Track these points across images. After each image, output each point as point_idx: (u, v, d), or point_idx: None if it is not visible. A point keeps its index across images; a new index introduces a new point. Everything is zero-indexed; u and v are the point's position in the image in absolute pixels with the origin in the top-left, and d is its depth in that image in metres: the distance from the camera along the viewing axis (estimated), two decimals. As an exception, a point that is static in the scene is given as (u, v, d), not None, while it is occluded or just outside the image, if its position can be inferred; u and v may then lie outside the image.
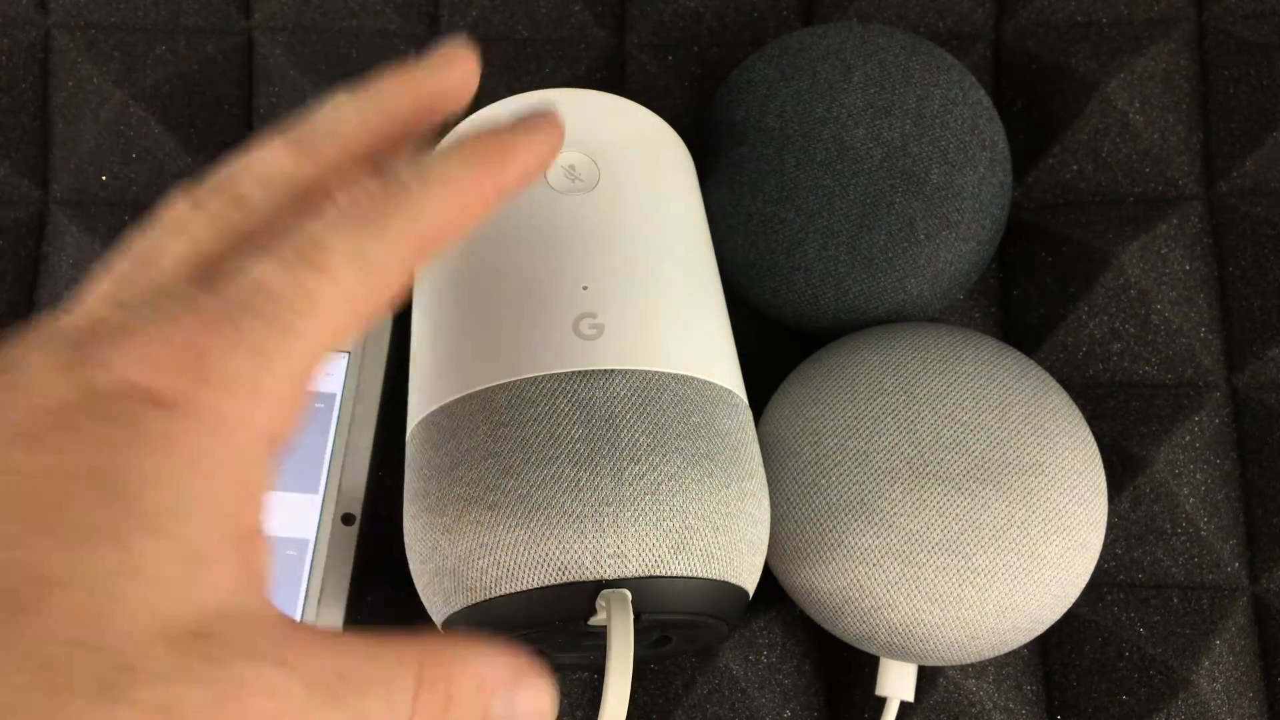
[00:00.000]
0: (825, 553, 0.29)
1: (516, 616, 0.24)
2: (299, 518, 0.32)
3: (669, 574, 0.24)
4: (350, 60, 0.39)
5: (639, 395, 0.25)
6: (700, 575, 0.24)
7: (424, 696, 0.16)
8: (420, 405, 0.27)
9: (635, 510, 0.24)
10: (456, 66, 0.21)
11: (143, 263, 0.18)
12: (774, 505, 0.30)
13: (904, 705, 0.33)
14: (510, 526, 0.24)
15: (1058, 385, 0.31)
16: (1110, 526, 0.34)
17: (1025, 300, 0.37)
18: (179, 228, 0.18)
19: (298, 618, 0.31)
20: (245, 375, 0.16)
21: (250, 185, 0.18)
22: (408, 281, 0.18)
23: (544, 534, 0.23)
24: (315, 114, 0.20)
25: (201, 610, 0.15)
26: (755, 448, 0.28)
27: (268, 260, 0.17)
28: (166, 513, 0.15)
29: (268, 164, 0.19)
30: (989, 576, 0.28)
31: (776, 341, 0.36)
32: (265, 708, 0.14)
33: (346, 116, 0.20)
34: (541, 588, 0.24)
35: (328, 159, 0.19)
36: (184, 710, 0.14)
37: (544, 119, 0.21)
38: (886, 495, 0.28)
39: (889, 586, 0.28)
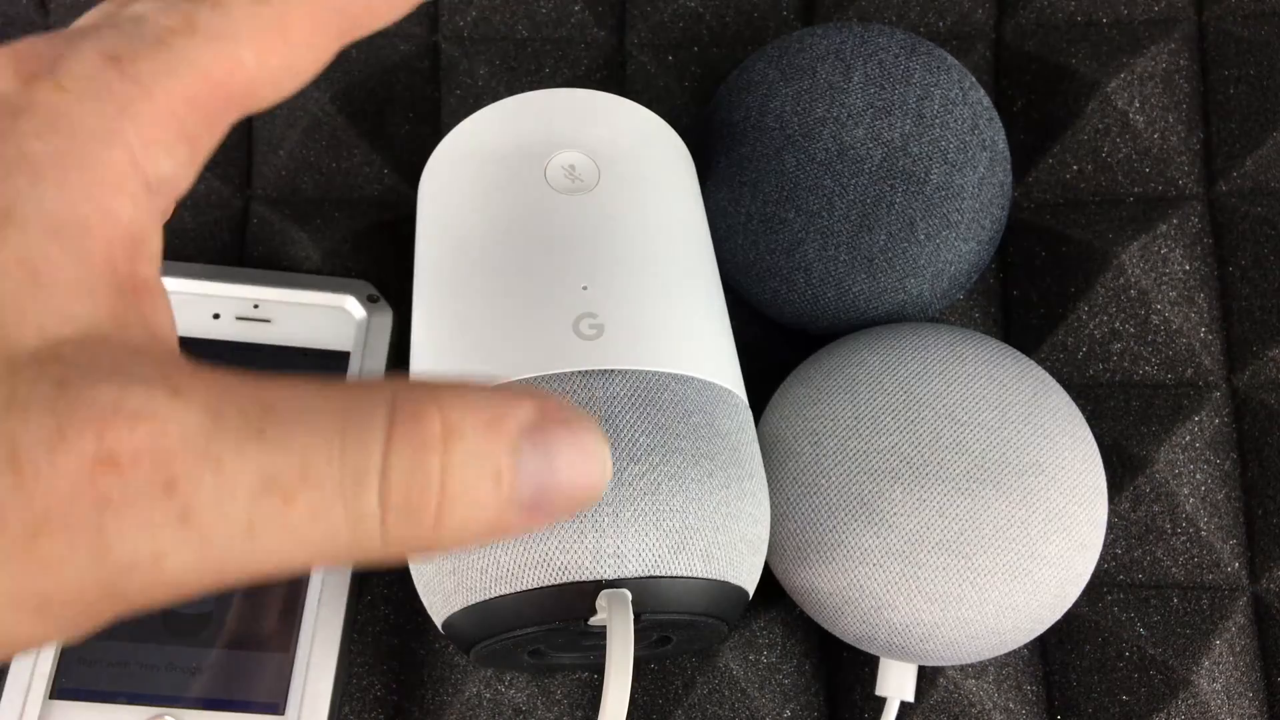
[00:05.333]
0: (825, 553, 0.29)
1: (516, 616, 0.24)
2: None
3: (669, 574, 0.24)
4: (350, 60, 0.39)
5: (639, 395, 0.25)
6: (700, 575, 0.24)
7: (401, 431, 0.12)
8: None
9: (635, 510, 0.24)
10: None
11: None
12: (774, 505, 0.30)
13: (904, 705, 0.33)
14: (510, 526, 0.24)
15: (1058, 385, 0.31)
16: (1110, 526, 0.34)
17: (1025, 300, 0.37)
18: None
19: (299, 618, 0.31)
20: (104, 82, 0.13)
21: None
22: (330, 32, 0.16)
23: (544, 534, 0.23)
24: None
25: (47, 335, 0.12)
26: (755, 448, 0.28)
27: (148, 0, 0.15)
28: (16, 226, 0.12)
29: None
30: (989, 576, 0.28)
31: (776, 341, 0.36)
32: (136, 438, 0.11)
33: None
34: (541, 588, 0.24)
35: None
36: (16, 441, 0.11)
37: None
38: (886, 495, 0.28)
39: (889, 586, 0.28)
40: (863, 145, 0.33)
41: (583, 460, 0.13)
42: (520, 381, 0.25)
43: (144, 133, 0.14)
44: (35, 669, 0.30)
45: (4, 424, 0.11)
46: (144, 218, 0.14)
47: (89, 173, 0.13)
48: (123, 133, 0.14)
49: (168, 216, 0.15)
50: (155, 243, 0.14)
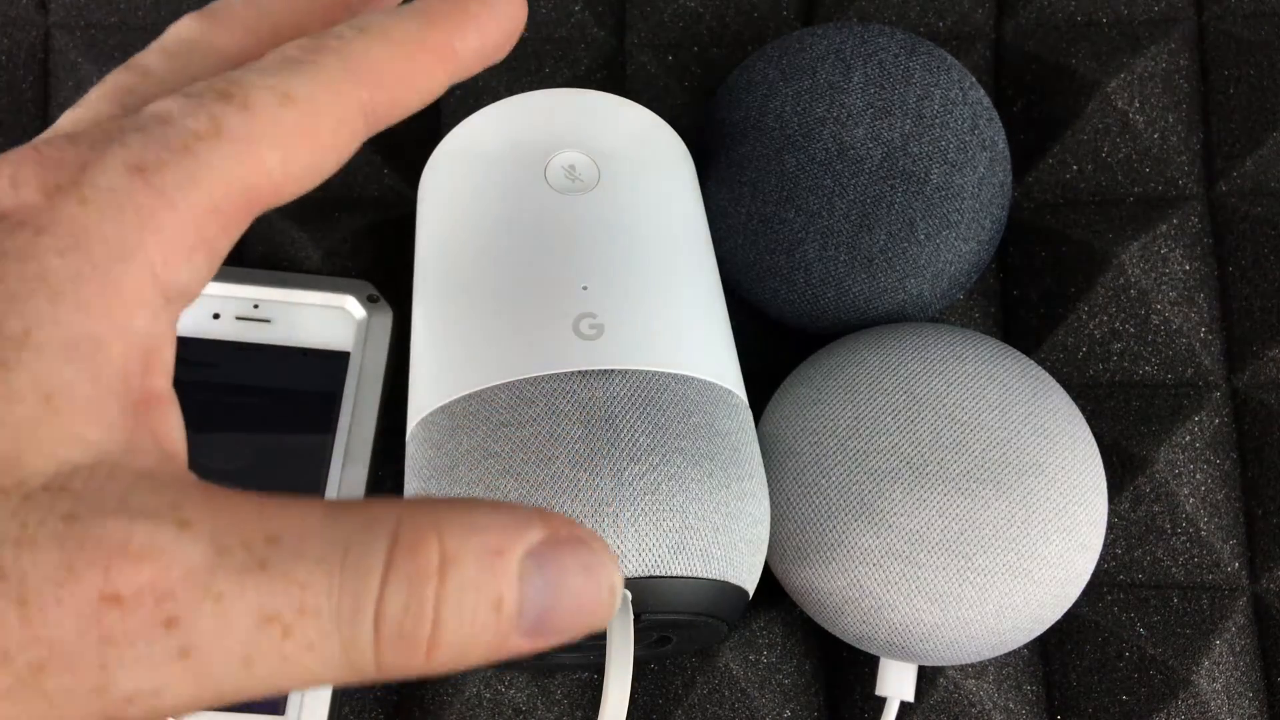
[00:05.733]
0: (825, 553, 0.29)
1: (516, 616, 0.24)
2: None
3: (669, 574, 0.24)
4: (350, 60, 0.39)
5: (639, 395, 0.25)
6: (700, 575, 0.24)
7: (401, 561, 0.12)
8: (420, 405, 0.27)
9: (635, 510, 0.24)
10: None
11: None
12: (774, 505, 0.30)
13: (904, 705, 0.33)
14: (510, 526, 0.24)
15: (1058, 385, 0.31)
16: (1110, 526, 0.34)
17: (1025, 300, 0.37)
18: (80, 104, 0.16)
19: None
20: (127, 194, 0.13)
21: (153, 56, 0.16)
22: (355, 129, 0.16)
23: (544, 534, 0.23)
24: None
25: (59, 463, 0.12)
26: (755, 448, 0.28)
27: (172, 98, 0.14)
28: (13, 343, 0.12)
29: (173, 34, 0.17)
30: (989, 576, 0.28)
31: (776, 341, 0.36)
32: (140, 575, 0.11)
33: None
34: (541, 588, 0.24)
35: (245, 25, 0.17)
36: (25, 577, 0.11)
37: None
38: (886, 495, 0.28)
39: (889, 586, 0.28)
40: (863, 145, 0.33)
41: (590, 583, 0.13)
42: (520, 381, 0.25)
43: (165, 245, 0.14)
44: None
45: (15, 560, 0.11)
46: (159, 329, 0.14)
47: (108, 291, 0.13)
48: (144, 247, 0.13)
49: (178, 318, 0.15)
50: (168, 352, 0.14)
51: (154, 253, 0.14)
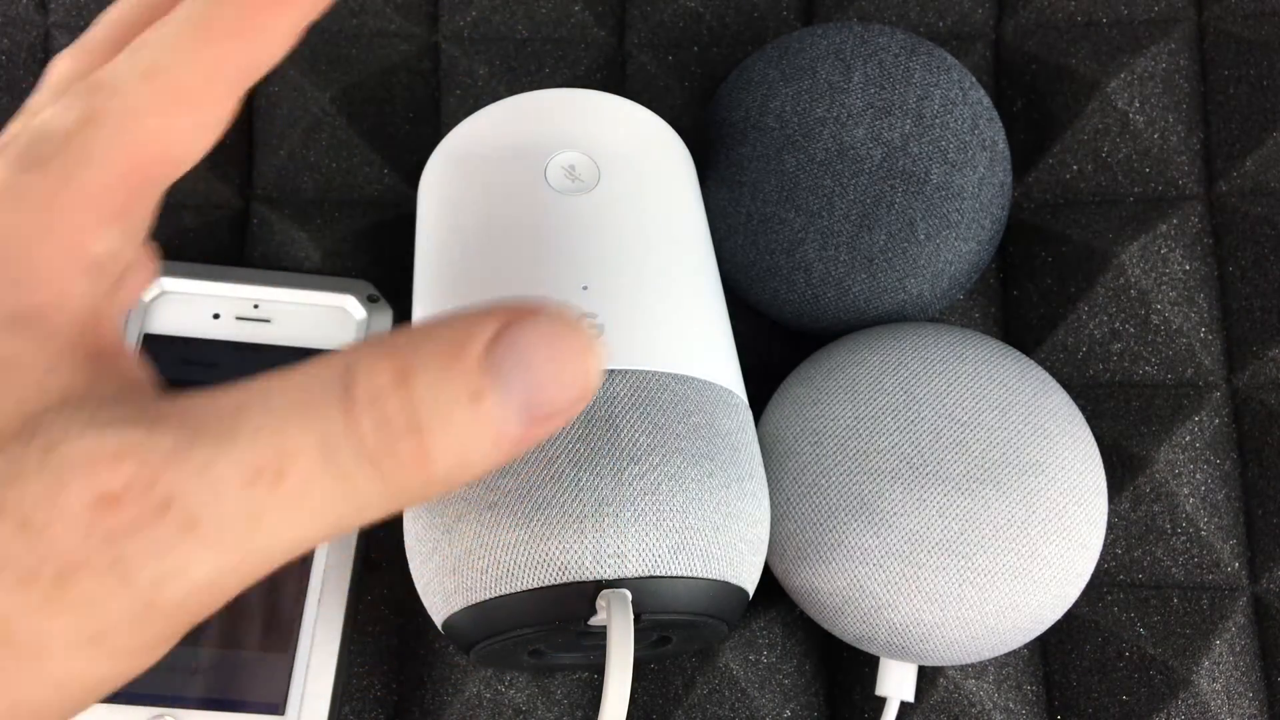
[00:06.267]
0: (825, 553, 0.29)
1: (516, 616, 0.24)
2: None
3: (669, 574, 0.24)
4: (350, 60, 0.39)
5: (639, 395, 0.25)
6: (700, 575, 0.24)
7: (360, 387, 0.13)
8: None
9: (635, 510, 0.24)
10: None
11: None
12: (774, 505, 0.30)
13: (904, 705, 0.33)
14: (510, 526, 0.24)
15: (1058, 385, 0.31)
16: (1110, 526, 0.34)
17: (1025, 300, 0.37)
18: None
19: (299, 619, 0.31)
20: (26, 186, 0.15)
21: (41, 96, 0.18)
22: (224, 85, 0.17)
23: (544, 534, 0.23)
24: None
25: (26, 414, 0.13)
26: (755, 448, 0.28)
27: (51, 105, 0.16)
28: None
29: (54, 72, 0.18)
30: (989, 576, 0.28)
31: (776, 341, 0.36)
32: (123, 470, 0.12)
33: (116, 7, 0.19)
34: (541, 588, 0.24)
35: (114, 45, 0.18)
36: (22, 503, 0.12)
37: None
38: (886, 495, 0.28)
39: (889, 586, 0.28)
40: (863, 145, 0.33)
41: (567, 349, 0.13)
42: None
43: (75, 221, 0.15)
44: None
45: (8, 494, 0.12)
46: (95, 291, 0.15)
47: (34, 269, 0.14)
48: (55, 226, 0.15)
49: (127, 284, 0.17)
50: (111, 310, 0.16)
51: (66, 228, 0.15)
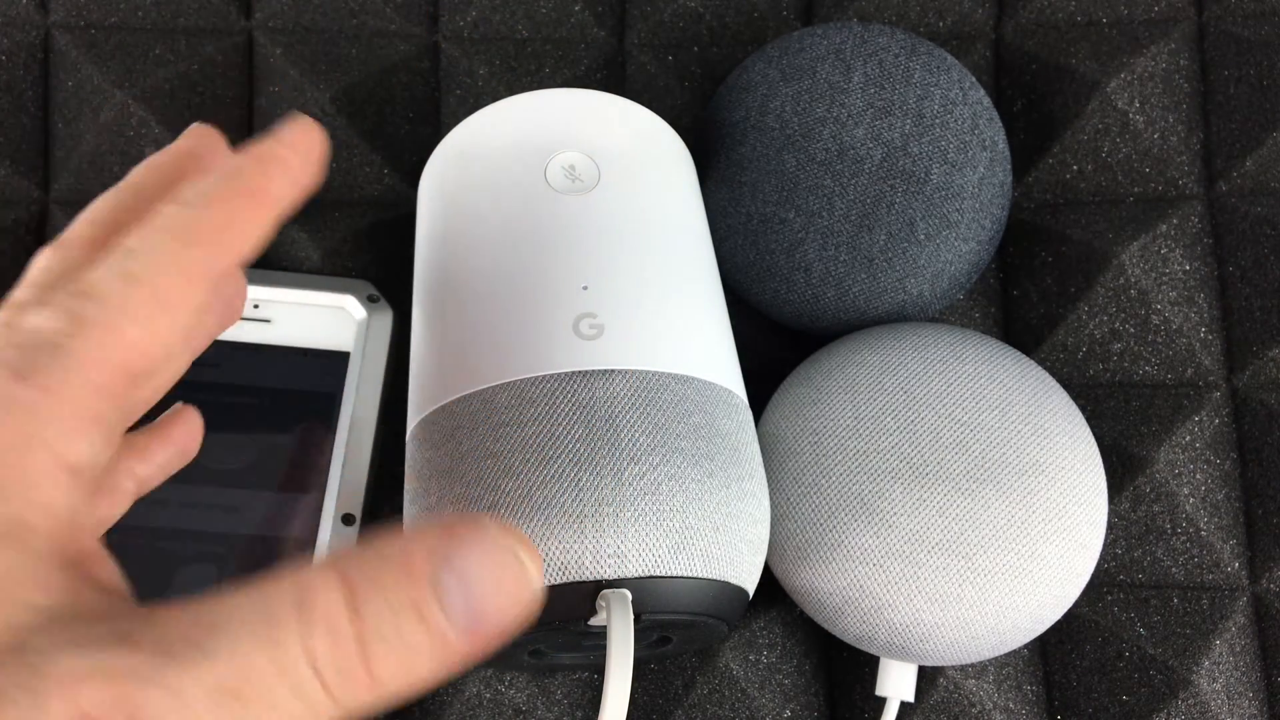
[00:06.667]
0: (825, 553, 0.29)
1: (516, 616, 0.24)
2: (299, 518, 0.32)
3: (669, 574, 0.24)
4: (350, 60, 0.39)
5: (639, 395, 0.25)
6: (700, 575, 0.24)
7: (315, 607, 0.14)
8: (420, 405, 0.27)
9: (635, 510, 0.24)
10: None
11: None
12: (774, 505, 0.30)
13: (904, 705, 0.33)
14: (510, 526, 0.24)
15: (1058, 385, 0.31)
16: (1110, 526, 0.34)
17: (1025, 300, 0.37)
18: None
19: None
20: (12, 396, 0.16)
21: (23, 291, 0.18)
22: (203, 286, 0.18)
23: (544, 534, 0.23)
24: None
25: (15, 629, 0.14)
26: (755, 448, 0.28)
27: (36, 310, 0.17)
28: None
29: (37, 267, 0.19)
30: (989, 576, 0.28)
31: (776, 341, 0.36)
32: (101, 692, 0.13)
33: (97, 204, 0.20)
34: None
35: (95, 242, 0.19)
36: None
37: (298, 132, 0.20)
38: (886, 495, 0.28)
39: (889, 586, 0.28)
40: (863, 145, 0.33)
41: (502, 565, 0.15)
42: (520, 381, 0.25)
43: (59, 429, 0.16)
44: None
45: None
46: (76, 500, 0.16)
47: (19, 480, 0.15)
48: (39, 436, 0.16)
49: (102, 484, 0.18)
50: (90, 515, 0.17)
51: (51, 438, 0.16)
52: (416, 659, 0.14)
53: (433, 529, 0.15)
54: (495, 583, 0.15)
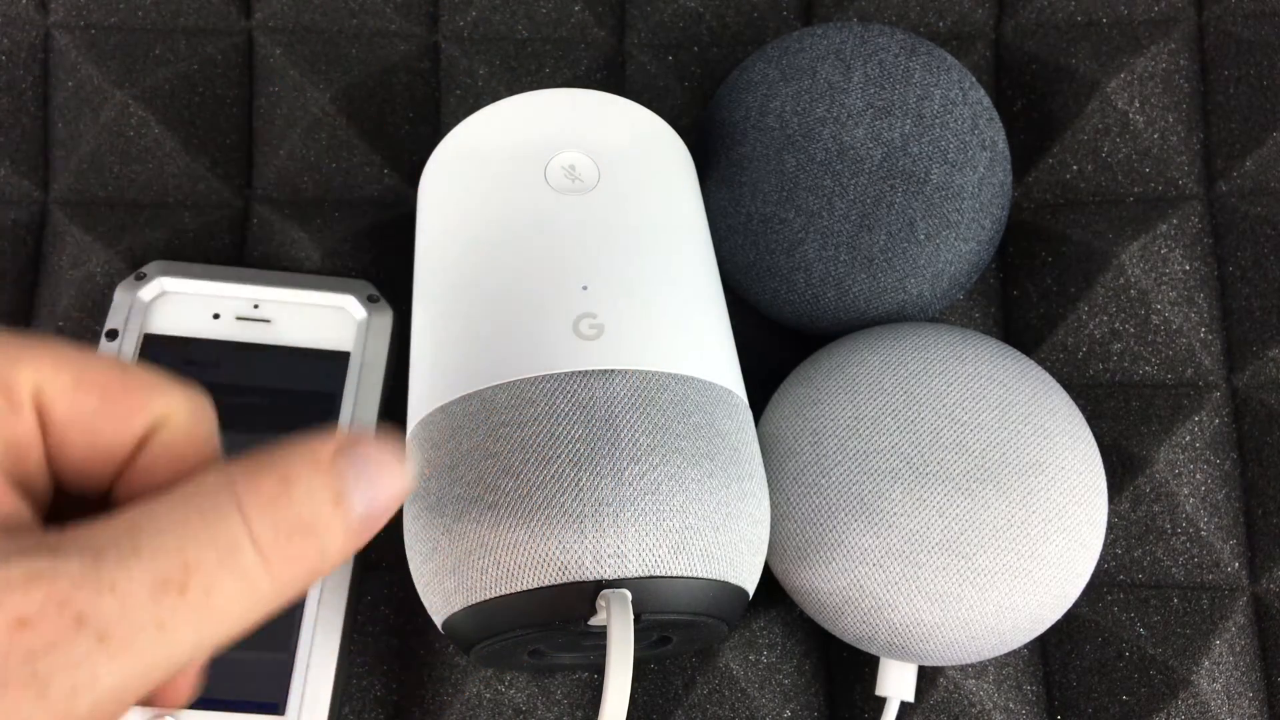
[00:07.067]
0: (825, 553, 0.29)
1: (516, 616, 0.24)
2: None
3: (669, 574, 0.24)
4: (350, 60, 0.39)
5: (639, 395, 0.25)
6: (700, 575, 0.24)
7: (249, 498, 0.15)
8: (420, 405, 0.27)
9: (635, 510, 0.24)
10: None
11: None
12: (774, 505, 0.30)
13: (904, 705, 0.33)
14: (510, 526, 0.24)
15: (1058, 385, 0.31)
16: (1110, 526, 0.34)
17: (1025, 300, 0.37)
18: None
19: (299, 619, 0.32)
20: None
21: None
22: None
23: (544, 534, 0.23)
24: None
25: None
26: (755, 448, 0.28)
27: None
28: None
29: None
30: (989, 576, 0.28)
31: (776, 341, 0.36)
32: (33, 595, 0.13)
33: None
34: (541, 588, 0.24)
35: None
36: None
37: None
38: (886, 495, 0.28)
39: (889, 586, 0.28)
40: (863, 145, 0.33)
41: (390, 462, 0.17)
42: (520, 381, 0.25)
43: None
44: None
45: None
46: None
47: None
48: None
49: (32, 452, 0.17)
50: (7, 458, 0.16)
51: None
52: (331, 540, 0.16)
53: (332, 438, 0.16)
54: (387, 480, 0.17)
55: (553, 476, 0.24)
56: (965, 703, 0.33)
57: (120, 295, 0.34)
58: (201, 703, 0.30)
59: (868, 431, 0.29)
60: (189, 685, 0.19)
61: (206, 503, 0.15)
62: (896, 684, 0.31)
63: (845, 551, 0.29)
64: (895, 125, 0.33)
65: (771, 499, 0.30)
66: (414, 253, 0.33)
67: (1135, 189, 0.37)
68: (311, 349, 0.34)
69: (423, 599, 0.27)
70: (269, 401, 0.33)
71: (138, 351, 0.34)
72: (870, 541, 0.28)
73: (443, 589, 0.25)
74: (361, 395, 0.34)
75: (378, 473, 0.16)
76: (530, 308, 0.26)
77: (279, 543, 0.15)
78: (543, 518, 0.23)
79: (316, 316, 0.35)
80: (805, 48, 0.34)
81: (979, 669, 0.33)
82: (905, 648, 0.29)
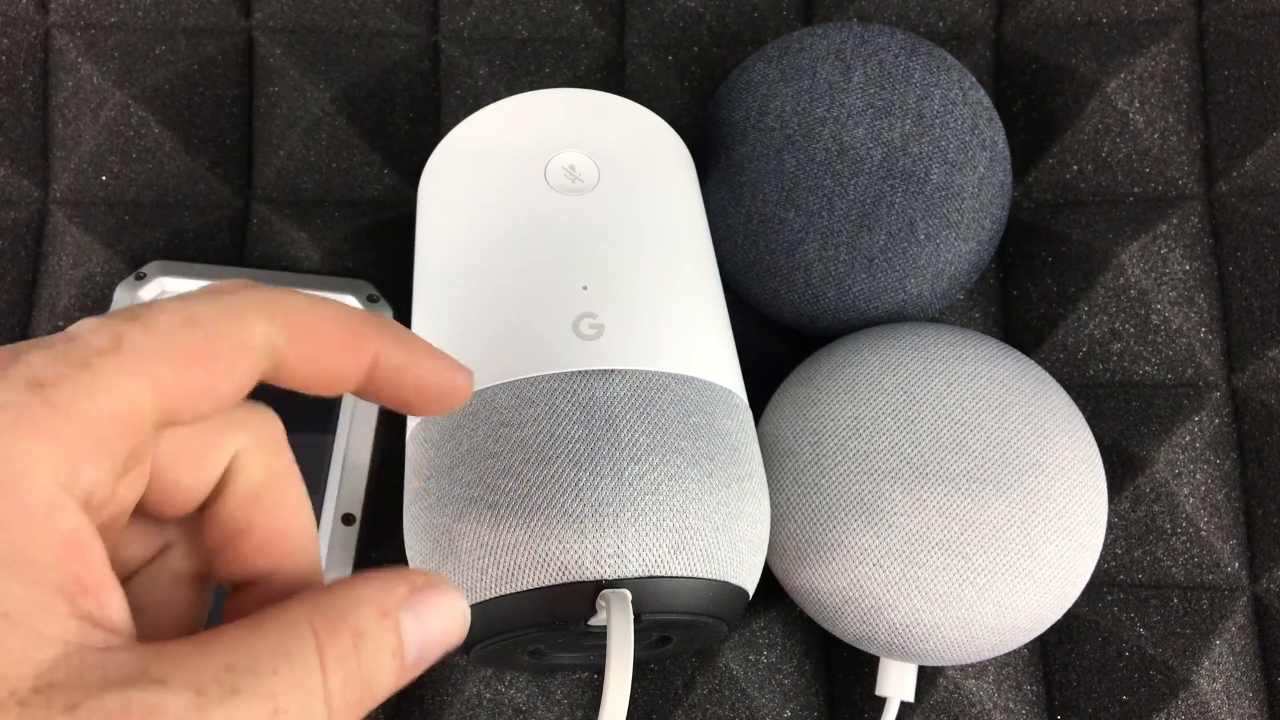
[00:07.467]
0: (825, 553, 0.29)
1: (516, 616, 0.24)
2: (299, 518, 0.32)
3: (669, 574, 0.24)
4: (350, 60, 0.39)
5: (639, 395, 0.25)
6: (700, 575, 0.24)
7: (329, 651, 0.16)
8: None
9: (635, 510, 0.24)
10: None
11: None
12: (774, 505, 0.30)
13: (904, 705, 0.33)
14: (510, 527, 0.24)
15: (1058, 385, 0.31)
16: (1110, 526, 0.34)
17: (1025, 300, 0.37)
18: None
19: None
20: (23, 408, 0.15)
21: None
22: (255, 362, 0.18)
23: (544, 534, 0.23)
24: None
25: (36, 665, 0.14)
26: (755, 448, 0.28)
27: (92, 318, 0.16)
28: None
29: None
30: (989, 576, 0.28)
31: (776, 341, 0.36)
32: None
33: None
34: (541, 588, 0.24)
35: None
36: None
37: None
38: (886, 495, 0.28)
39: (889, 586, 0.28)
40: (863, 145, 0.33)
41: (449, 615, 0.17)
42: (520, 381, 0.25)
43: (65, 454, 0.15)
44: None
45: None
46: (82, 527, 0.16)
47: (21, 504, 0.15)
48: (46, 458, 0.15)
49: (113, 514, 0.17)
50: (97, 545, 0.16)
51: (57, 462, 0.15)
52: (383, 689, 0.17)
53: (400, 577, 0.17)
54: (443, 632, 0.17)
55: (553, 477, 0.24)
56: (965, 703, 0.33)
57: (120, 295, 0.34)
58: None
59: (868, 432, 0.29)
60: None
61: (294, 648, 0.16)
62: (896, 684, 0.31)
63: (845, 551, 0.29)
64: (895, 125, 0.33)
65: (771, 499, 0.30)
66: (414, 253, 0.33)
67: (1135, 189, 0.37)
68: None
69: (423, 599, 0.27)
70: (268, 402, 0.33)
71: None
72: (870, 541, 0.28)
73: (443, 589, 0.25)
74: (361, 395, 0.34)
75: (435, 621, 0.17)
76: (530, 307, 0.26)
77: (344, 694, 0.16)
78: (543, 518, 0.23)
79: (316, 316, 0.35)
80: (805, 48, 0.34)
81: (979, 669, 0.33)
82: (905, 648, 0.29)
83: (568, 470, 0.24)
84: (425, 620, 0.17)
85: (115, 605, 0.16)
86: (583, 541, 0.23)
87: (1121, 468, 0.34)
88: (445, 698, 0.33)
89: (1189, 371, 0.35)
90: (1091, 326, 0.36)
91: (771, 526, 0.30)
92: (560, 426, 0.24)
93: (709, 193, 0.34)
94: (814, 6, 0.40)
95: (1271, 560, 0.34)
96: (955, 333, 0.31)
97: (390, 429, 0.34)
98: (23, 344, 0.16)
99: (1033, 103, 0.38)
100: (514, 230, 0.28)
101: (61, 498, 0.15)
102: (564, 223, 0.28)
